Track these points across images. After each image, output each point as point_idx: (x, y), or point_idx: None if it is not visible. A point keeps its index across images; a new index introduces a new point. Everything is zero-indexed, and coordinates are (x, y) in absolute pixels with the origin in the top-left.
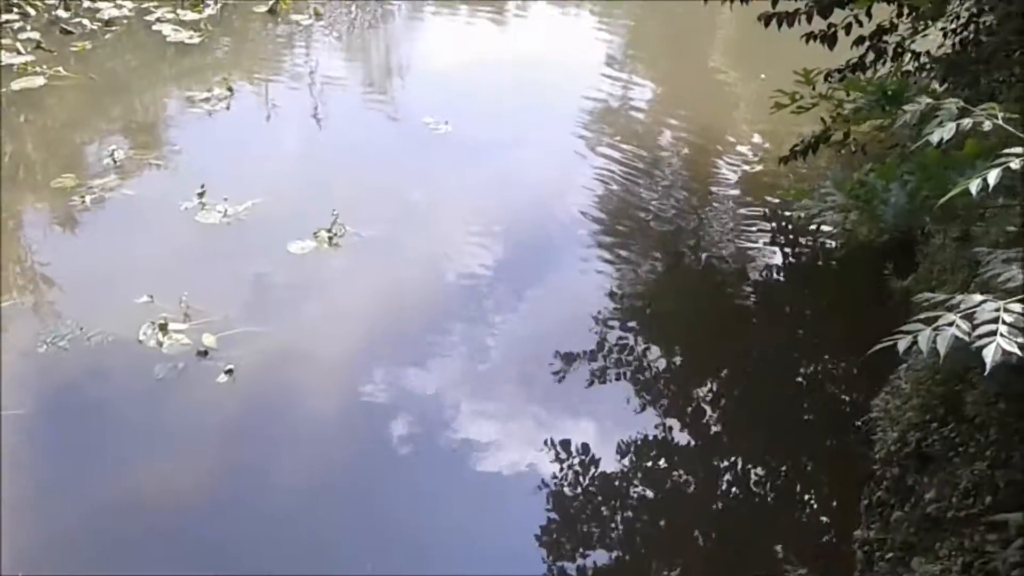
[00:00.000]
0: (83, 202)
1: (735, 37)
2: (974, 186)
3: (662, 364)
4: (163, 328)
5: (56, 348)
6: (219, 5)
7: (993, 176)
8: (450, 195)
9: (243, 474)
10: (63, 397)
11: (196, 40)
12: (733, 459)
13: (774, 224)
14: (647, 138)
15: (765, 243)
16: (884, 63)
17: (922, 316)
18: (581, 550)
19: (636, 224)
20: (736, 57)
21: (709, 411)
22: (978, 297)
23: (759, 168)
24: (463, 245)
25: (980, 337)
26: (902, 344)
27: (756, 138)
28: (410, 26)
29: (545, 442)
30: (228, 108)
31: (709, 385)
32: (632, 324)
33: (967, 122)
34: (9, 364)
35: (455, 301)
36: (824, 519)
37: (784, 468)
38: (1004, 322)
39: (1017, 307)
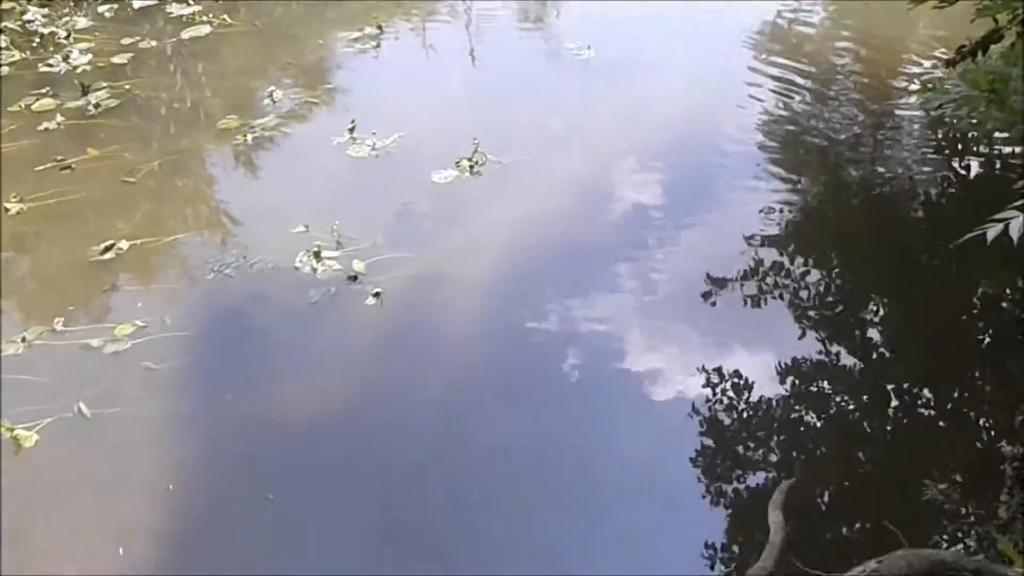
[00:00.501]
0: (245, 141)
1: None
2: None
3: (832, 288)
4: (317, 255)
5: (222, 275)
6: None
7: None
8: (593, 121)
9: (393, 392)
10: (227, 320)
11: None
12: (890, 379)
13: (951, 136)
14: (816, 55)
15: (940, 158)
16: None
17: (1018, 203)
18: (737, 472)
19: (803, 145)
20: None
21: (873, 332)
22: None
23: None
24: (607, 170)
25: None
26: (991, 233)
27: (938, 49)
28: None
29: (713, 370)
30: (379, 47)
31: (874, 304)
32: (798, 248)
33: None
34: (180, 289)
35: (596, 228)
36: (979, 437)
37: (943, 388)
38: None
39: None
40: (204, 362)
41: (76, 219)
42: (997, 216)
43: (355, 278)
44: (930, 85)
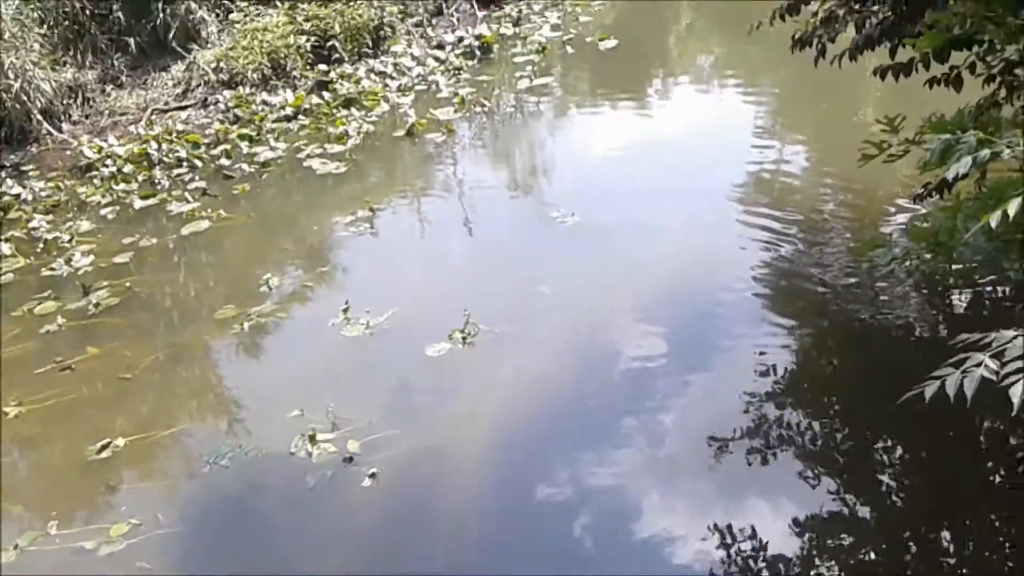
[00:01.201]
0: (242, 329)
1: (887, 90)
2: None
3: (837, 436)
4: (312, 439)
5: (217, 467)
6: (360, 136)
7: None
8: (580, 285)
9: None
10: (223, 513)
11: (343, 170)
12: (908, 524)
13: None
14: (803, 203)
15: (925, 299)
16: (1020, 97)
17: (952, 360)
18: None
19: (796, 291)
20: (892, 109)
21: (884, 477)
22: (1009, 333)
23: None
24: (600, 333)
25: (1008, 376)
26: (928, 391)
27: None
28: (551, 126)
29: (725, 530)
30: (372, 227)
31: (881, 449)
32: (798, 397)
33: (985, 153)
34: (176, 484)
35: (592, 391)
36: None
37: (957, 530)
38: None
39: None
40: (199, 559)
41: (74, 419)
42: (935, 373)
43: (351, 459)
44: (876, 239)
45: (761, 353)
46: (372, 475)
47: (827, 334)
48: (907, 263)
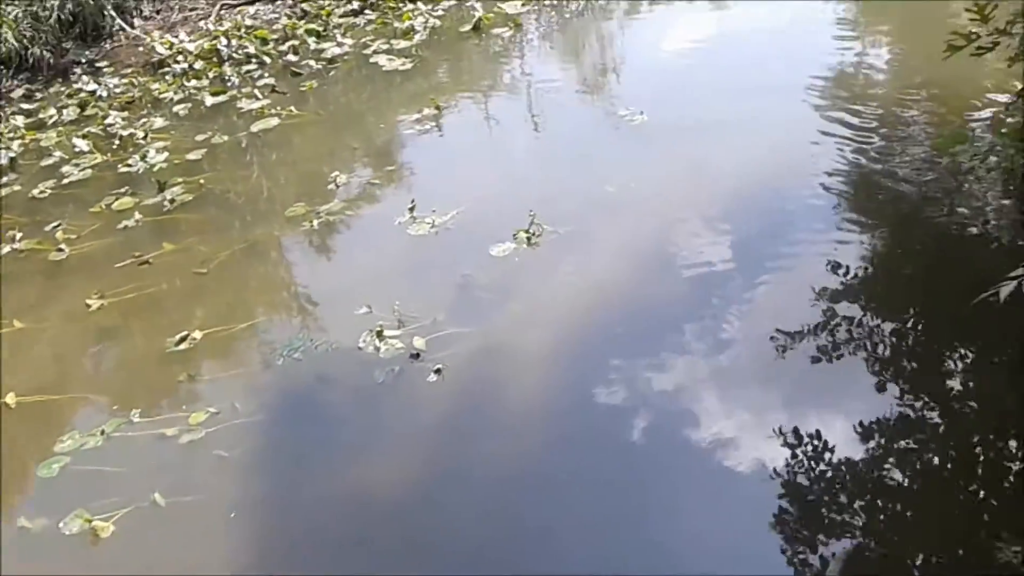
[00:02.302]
0: (312, 226)
1: None
2: None
3: (910, 341)
4: (379, 335)
5: (290, 359)
6: (427, 31)
7: None
8: (647, 185)
9: (459, 469)
10: (296, 404)
11: (409, 66)
12: (975, 432)
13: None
14: (886, 100)
15: (1012, 204)
16: None
17: None
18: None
19: (874, 191)
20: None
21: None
22: None
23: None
24: (666, 234)
25: None
26: (1004, 291)
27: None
28: (622, 21)
29: (791, 431)
30: (438, 126)
31: (957, 355)
32: (876, 302)
33: None
34: (251, 375)
35: (660, 294)
36: None
37: None
38: None
39: None
40: (274, 447)
41: (153, 312)
42: (1012, 274)
43: (417, 356)
44: (959, 133)
45: (836, 248)
46: (438, 371)
47: (903, 234)
48: (990, 159)
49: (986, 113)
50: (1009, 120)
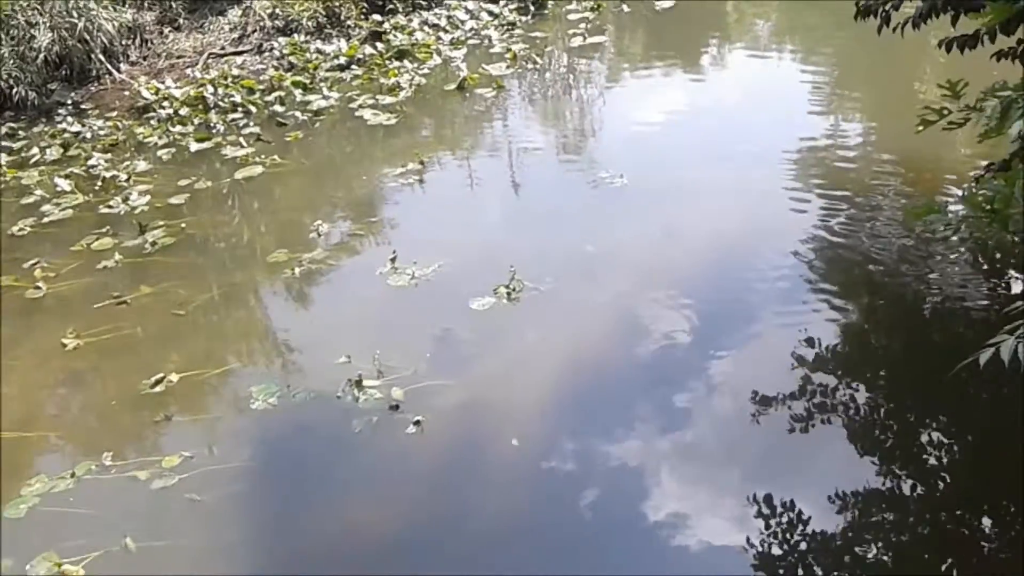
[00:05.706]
0: (293, 274)
1: (950, 64)
2: None
3: (881, 413)
4: (359, 384)
5: (267, 405)
6: (412, 88)
7: None
8: (626, 247)
9: (433, 520)
10: (271, 451)
11: (394, 121)
12: (950, 504)
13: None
14: (859, 171)
15: (981, 277)
16: None
17: (1007, 327)
18: None
19: (847, 263)
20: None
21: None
22: None
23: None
24: (642, 294)
25: None
26: (983, 357)
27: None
28: (603, 88)
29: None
30: (421, 180)
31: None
32: (850, 372)
33: None
34: (226, 420)
35: (638, 355)
36: None
37: (1014, 517)
38: None
39: None
40: (248, 493)
41: (129, 353)
42: (990, 341)
43: (396, 407)
44: (928, 206)
45: (810, 315)
46: (416, 423)
47: (876, 305)
48: (960, 230)
49: (956, 191)
50: (980, 192)
